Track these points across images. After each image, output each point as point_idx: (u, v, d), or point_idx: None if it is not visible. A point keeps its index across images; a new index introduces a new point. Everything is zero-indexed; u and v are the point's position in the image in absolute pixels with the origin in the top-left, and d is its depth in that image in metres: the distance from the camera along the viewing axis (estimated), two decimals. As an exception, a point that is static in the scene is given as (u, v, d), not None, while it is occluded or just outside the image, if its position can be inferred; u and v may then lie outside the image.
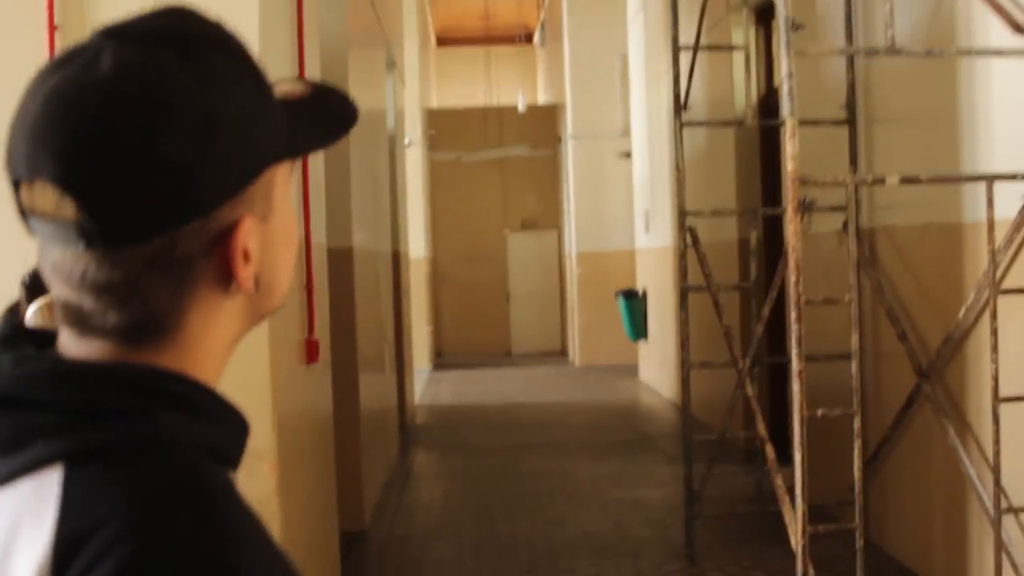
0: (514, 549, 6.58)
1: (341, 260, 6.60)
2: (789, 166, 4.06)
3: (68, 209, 0.88)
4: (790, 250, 4.19)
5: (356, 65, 7.11)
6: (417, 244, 16.10)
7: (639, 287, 14.97)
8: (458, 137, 19.62)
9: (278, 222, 1.00)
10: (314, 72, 5.01)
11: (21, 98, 0.92)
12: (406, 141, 14.28)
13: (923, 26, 5.38)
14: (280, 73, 4.19)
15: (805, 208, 5.32)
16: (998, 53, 4.44)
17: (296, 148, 1.02)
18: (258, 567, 0.87)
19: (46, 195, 0.88)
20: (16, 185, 0.91)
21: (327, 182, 5.76)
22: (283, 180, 1.01)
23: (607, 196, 17.03)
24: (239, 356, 3.38)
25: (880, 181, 4.75)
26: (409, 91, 15.16)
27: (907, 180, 4.48)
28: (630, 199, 15.89)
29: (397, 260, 10.30)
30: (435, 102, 22.30)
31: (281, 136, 0.98)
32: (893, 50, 4.31)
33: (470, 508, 7.77)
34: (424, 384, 15.21)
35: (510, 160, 19.76)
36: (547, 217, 19.97)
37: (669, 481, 8.16)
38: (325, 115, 1.05)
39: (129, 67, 0.89)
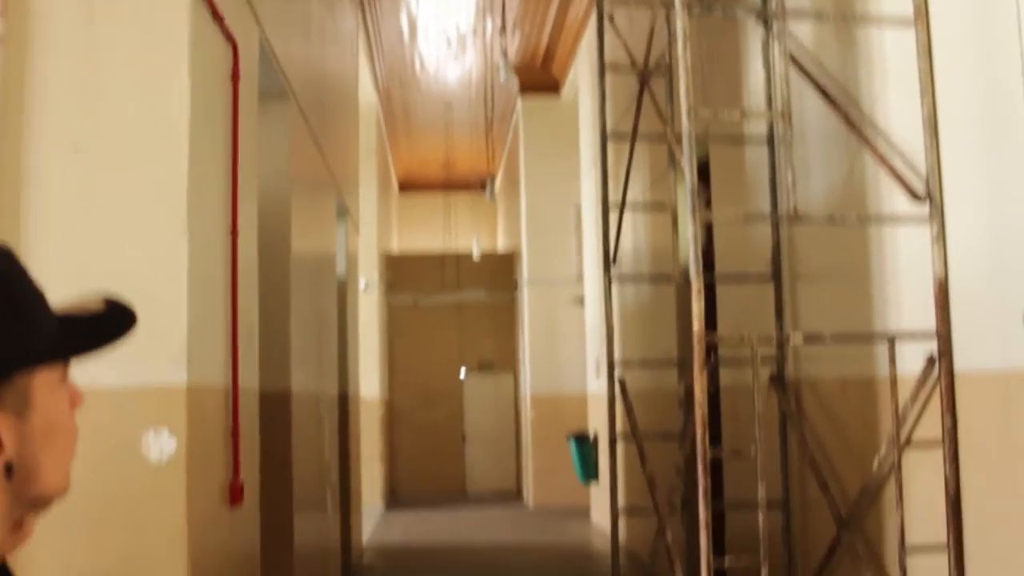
0: None
1: (278, 403, 6.72)
2: (695, 325, 4.26)
3: None
4: (696, 406, 4.36)
5: (300, 209, 7.33)
6: (372, 385, 16.20)
7: (590, 431, 15.07)
8: (416, 281, 19.91)
9: (39, 419, 1.17)
10: (250, 216, 5.19)
11: None
12: (362, 285, 14.49)
13: (837, 191, 5.66)
14: (213, 218, 4.40)
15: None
16: (896, 220, 4.69)
17: (57, 354, 1.20)
18: None
19: None
20: None
21: (266, 328, 5.93)
22: (47, 382, 1.18)
23: (561, 341, 17.26)
24: (156, 496, 3.53)
25: (785, 339, 4.96)
26: (366, 236, 15.45)
27: (810, 338, 4.69)
28: (583, 344, 16.11)
29: (345, 402, 10.40)
30: (397, 246, 22.63)
31: (39, 347, 1.16)
32: (795, 217, 4.55)
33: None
34: (375, 523, 15.15)
35: (467, 304, 20.03)
36: (503, 360, 20.16)
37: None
38: (103, 328, 1.23)
39: None
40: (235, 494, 4.81)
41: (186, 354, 4.01)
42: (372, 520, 15.06)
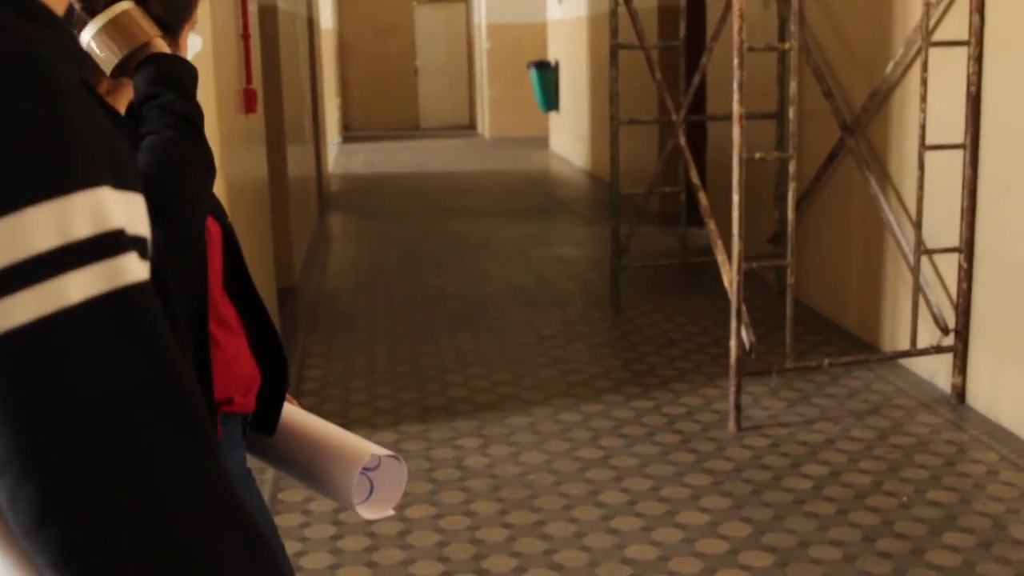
0: (443, 300, 6.74)
1: (268, 18, 6.47)
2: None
3: None
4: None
5: None
6: (325, 15, 15.73)
7: (551, 59, 14.89)
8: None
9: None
10: None
11: None
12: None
13: None
14: None
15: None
16: None
17: None
18: (94, 134, 0.76)
19: None
20: None
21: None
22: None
23: (518, -34, 16.70)
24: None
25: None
26: None
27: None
28: (542, -32, 15.64)
29: (312, 27, 10.11)
30: None
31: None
32: None
33: (395, 266, 7.88)
34: (335, 155, 15.13)
35: (417, -72, 19.21)
36: (455, -11, 19.57)
37: (587, 241, 8.35)
38: None
39: None
40: (249, 101, 4.68)
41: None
42: (331, 152, 15.03)
